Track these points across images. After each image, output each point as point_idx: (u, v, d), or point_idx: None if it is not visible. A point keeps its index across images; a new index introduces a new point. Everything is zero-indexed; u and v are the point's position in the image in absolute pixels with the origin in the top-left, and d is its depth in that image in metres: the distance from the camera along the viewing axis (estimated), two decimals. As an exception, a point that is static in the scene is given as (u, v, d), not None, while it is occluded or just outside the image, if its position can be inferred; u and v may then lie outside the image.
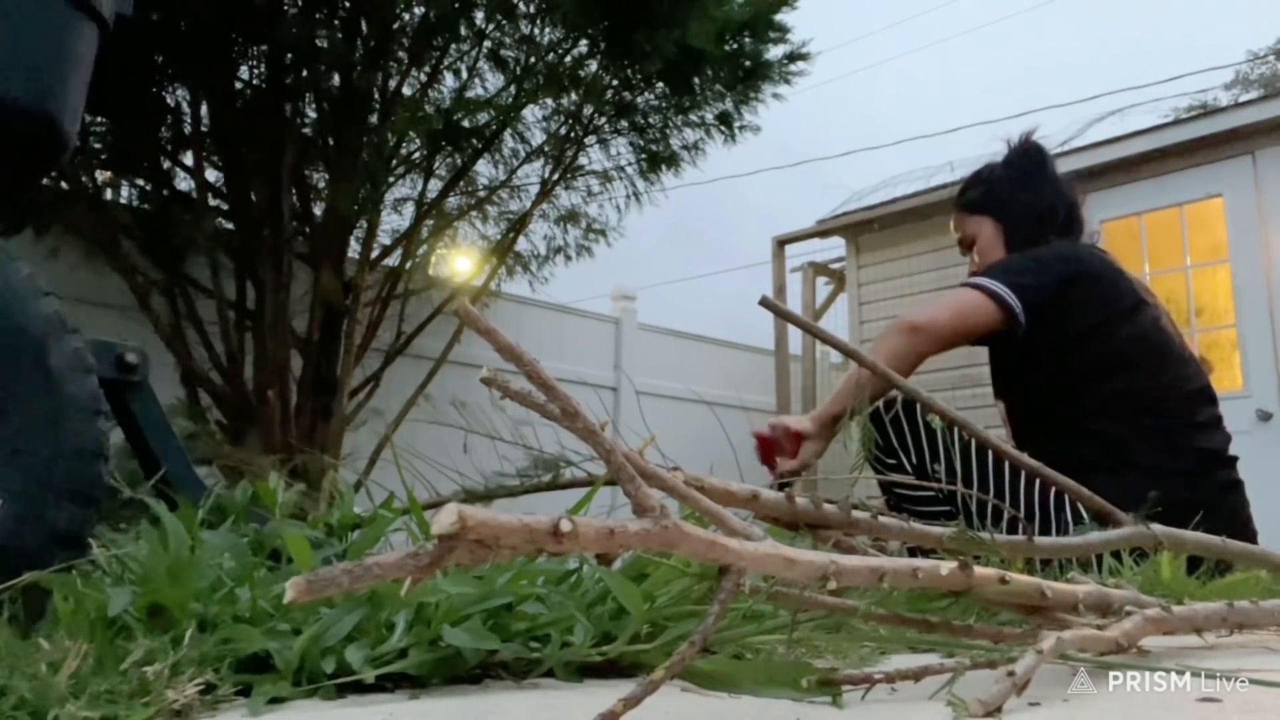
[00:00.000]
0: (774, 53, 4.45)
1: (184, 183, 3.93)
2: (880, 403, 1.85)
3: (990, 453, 1.63)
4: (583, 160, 4.61)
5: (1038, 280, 1.77)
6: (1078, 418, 1.75)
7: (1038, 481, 1.58)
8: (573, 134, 4.45)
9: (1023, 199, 1.97)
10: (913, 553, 0.99)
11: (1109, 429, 1.71)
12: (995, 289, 1.76)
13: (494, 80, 4.28)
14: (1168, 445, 1.69)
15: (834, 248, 6.24)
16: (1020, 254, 1.89)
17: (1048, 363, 1.78)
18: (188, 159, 3.86)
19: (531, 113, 4.36)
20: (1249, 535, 1.70)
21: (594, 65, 4.21)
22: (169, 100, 3.84)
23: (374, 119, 3.91)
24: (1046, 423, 1.80)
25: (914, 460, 1.76)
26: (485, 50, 4.16)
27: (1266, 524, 1.84)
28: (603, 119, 4.42)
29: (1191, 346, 1.92)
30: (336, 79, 3.90)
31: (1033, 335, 1.75)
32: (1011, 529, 1.07)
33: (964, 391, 4.93)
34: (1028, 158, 2.03)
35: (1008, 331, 1.75)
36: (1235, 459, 1.78)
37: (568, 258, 4.97)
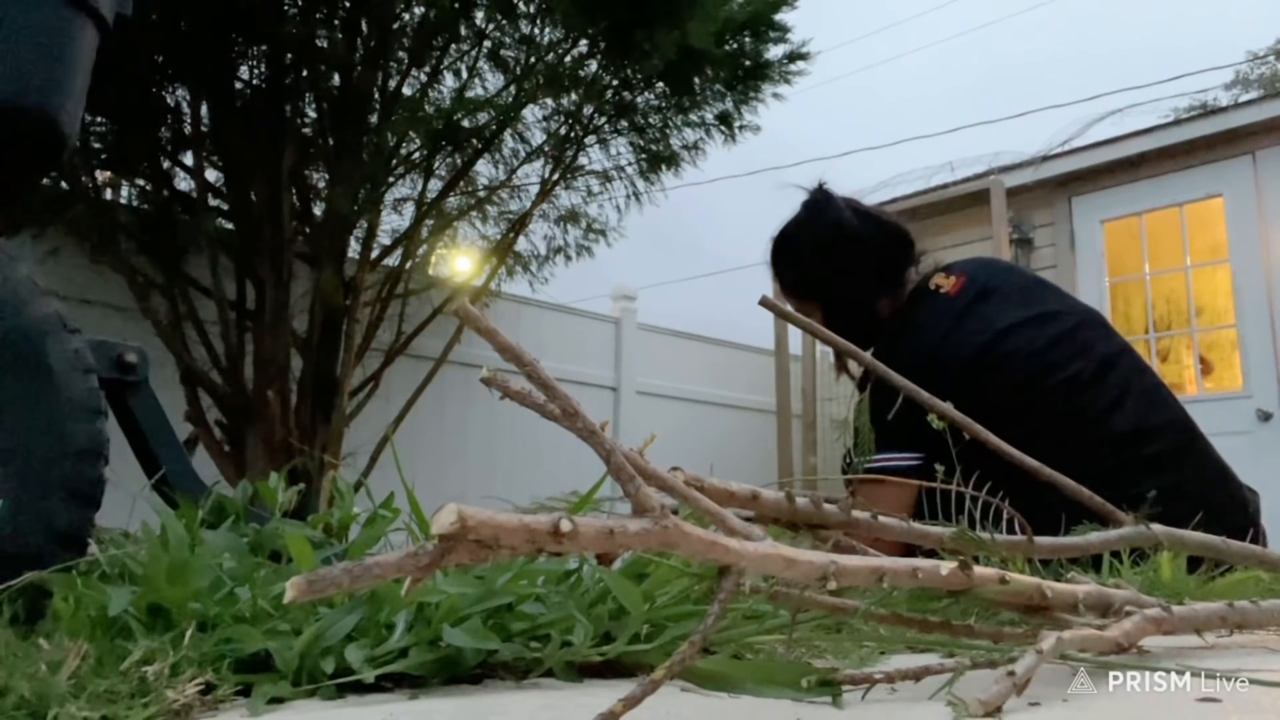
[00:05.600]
0: (774, 52, 4.44)
1: (184, 183, 3.92)
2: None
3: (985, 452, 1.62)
4: (583, 160, 4.61)
5: (902, 426, 1.54)
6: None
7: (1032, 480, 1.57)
8: (573, 134, 4.44)
9: (833, 283, 1.86)
10: (911, 551, 0.99)
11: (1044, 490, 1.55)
12: (897, 464, 1.65)
13: (494, 80, 4.28)
14: (1110, 485, 1.43)
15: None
16: (875, 396, 1.64)
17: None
18: (188, 159, 3.85)
19: (531, 113, 4.36)
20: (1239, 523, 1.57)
21: (594, 65, 4.21)
22: (169, 100, 3.83)
23: (374, 119, 3.91)
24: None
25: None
26: (485, 50, 4.16)
27: (1268, 525, 1.82)
28: (603, 119, 4.42)
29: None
30: (336, 79, 3.90)
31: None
32: (1011, 529, 1.07)
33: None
34: (820, 224, 1.88)
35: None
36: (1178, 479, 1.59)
37: (568, 258, 4.97)
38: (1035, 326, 1.72)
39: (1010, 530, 1.03)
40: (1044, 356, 1.69)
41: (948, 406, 1.24)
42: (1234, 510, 1.64)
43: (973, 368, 1.68)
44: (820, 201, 1.91)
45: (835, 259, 1.86)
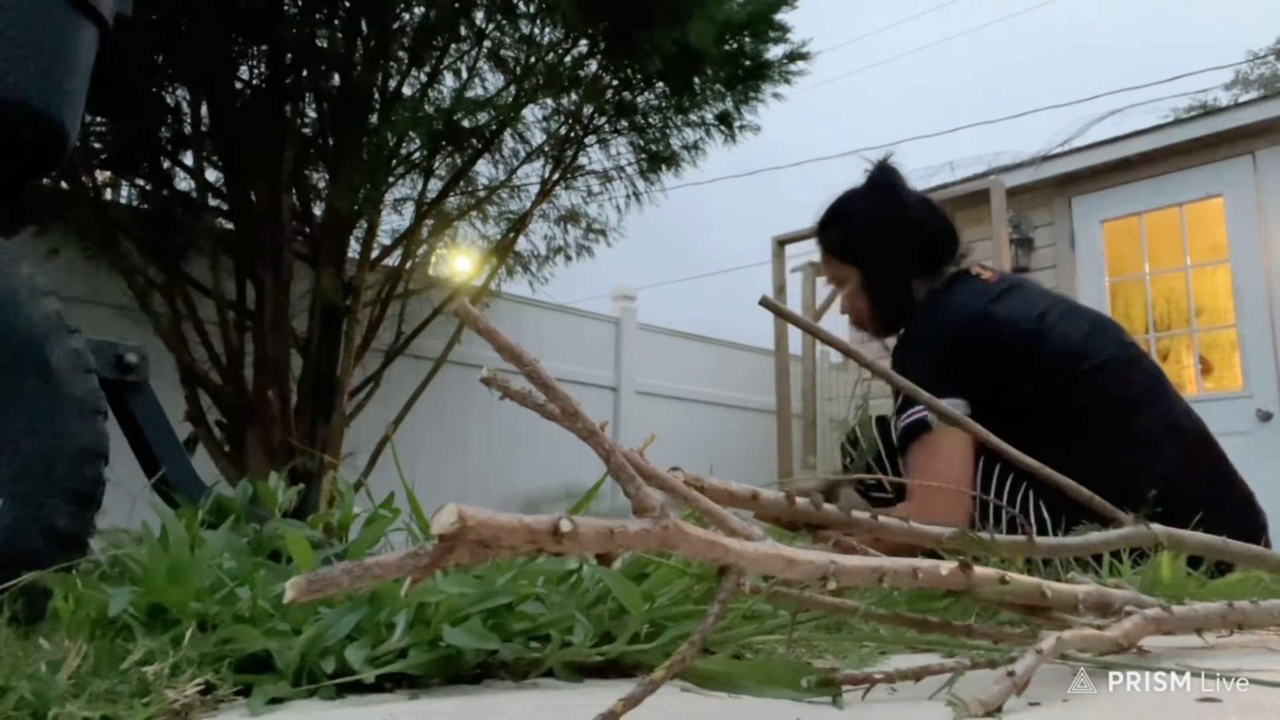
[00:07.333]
0: (774, 52, 4.44)
1: (184, 183, 3.92)
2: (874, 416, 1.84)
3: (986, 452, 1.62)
4: (583, 160, 4.61)
5: (943, 374, 1.63)
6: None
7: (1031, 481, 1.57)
8: (573, 134, 4.44)
9: (881, 248, 1.89)
10: (912, 552, 0.99)
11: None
12: (940, 411, 1.67)
13: (494, 80, 4.28)
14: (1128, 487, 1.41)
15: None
16: (910, 355, 1.77)
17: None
18: (188, 159, 3.85)
19: (531, 113, 4.36)
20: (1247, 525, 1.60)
21: (594, 65, 4.20)
22: (169, 100, 3.83)
23: (374, 119, 3.91)
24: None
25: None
26: (485, 50, 4.16)
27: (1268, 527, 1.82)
28: (603, 119, 4.42)
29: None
30: (336, 79, 3.90)
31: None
32: (1011, 529, 1.07)
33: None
34: (881, 194, 1.93)
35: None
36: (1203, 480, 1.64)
37: (568, 258, 4.97)
38: (1072, 315, 1.77)
39: (1012, 529, 1.03)
40: (1083, 342, 1.72)
41: (947, 406, 1.24)
42: (1249, 518, 1.65)
43: (1017, 333, 1.70)
44: (884, 172, 1.95)
45: (885, 228, 1.90)
